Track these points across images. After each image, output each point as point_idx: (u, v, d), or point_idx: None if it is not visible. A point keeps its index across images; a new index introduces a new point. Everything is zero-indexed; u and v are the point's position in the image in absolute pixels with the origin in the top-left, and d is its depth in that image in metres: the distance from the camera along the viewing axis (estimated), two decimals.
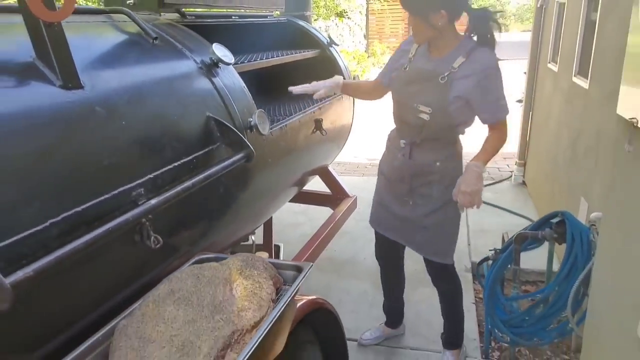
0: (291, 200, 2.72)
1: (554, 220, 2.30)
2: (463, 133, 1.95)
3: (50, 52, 1.08)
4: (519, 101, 5.33)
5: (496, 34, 1.82)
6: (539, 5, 4.25)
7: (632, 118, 1.52)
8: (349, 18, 13.07)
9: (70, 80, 1.11)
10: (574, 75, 3.11)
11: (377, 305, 2.70)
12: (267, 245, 2.61)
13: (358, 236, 3.64)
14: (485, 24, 1.78)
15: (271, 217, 2.76)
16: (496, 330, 2.48)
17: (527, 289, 3.05)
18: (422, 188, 1.95)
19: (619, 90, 2.15)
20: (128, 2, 1.84)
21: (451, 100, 1.77)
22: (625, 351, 1.57)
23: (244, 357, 0.97)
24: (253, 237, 2.45)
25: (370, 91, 2.16)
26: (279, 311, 1.12)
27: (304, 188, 2.80)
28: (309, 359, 1.47)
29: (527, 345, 2.47)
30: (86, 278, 1.07)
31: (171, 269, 1.31)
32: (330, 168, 3.00)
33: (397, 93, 1.94)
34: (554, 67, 3.79)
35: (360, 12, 14.29)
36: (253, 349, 0.99)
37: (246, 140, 1.49)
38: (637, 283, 1.52)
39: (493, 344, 2.63)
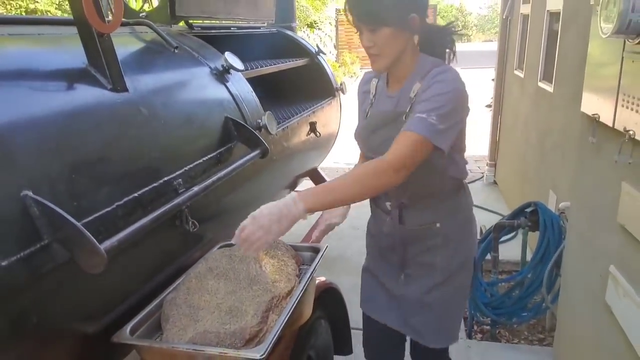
0: None
1: (528, 210, 2.55)
2: (462, 176, 1.46)
3: (103, 59, 1.23)
4: (488, 106, 5.66)
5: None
6: (504, 17, 4.57)
7: (595, 114, 1.77)
8: (319, 29, 13.37)
9: (119, 84, 1.26)
10: (540, 81, 3.39)
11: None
12: None
13: (344, 235, 3.83)
14: (446, 37, 1.40)
15: None
16: (478, 314, 2.70)
17: (504, 278, 3.30)
18: (421, 256, 1.48)
19: (581, 92, 2.44)
20: (141, 14, 1.99)
21: None
22: (596, 316, 1.81)
23: (285, 317, 1.14)
24: None
25: None
26: (307, 281, 1.30)
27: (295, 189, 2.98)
28: (322, 332, 1.64)
29: (507, 324, 2.70)
30: (138, 255, 1.22)
31: (201, 253, 1.46)
32: (319, 169, 3.18)
33: (365, 146, 1.48)
34: (520, 74, 4.10)
35: (330, 23, 14.63)
36: (292, 310, 1.16)
37: (261, 138, 1.66)
38: (602, 255, 1.76)
39: (475, 327, 2.85)
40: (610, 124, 1.62)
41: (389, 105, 1.41)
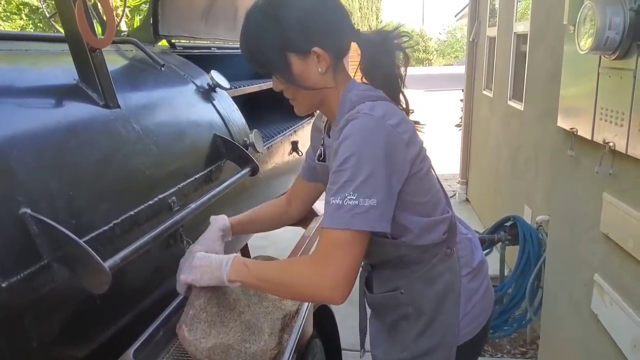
0: None
1: (507, 224, 2.61)
2: (431, 242, 1.12)
3: (95, 75, 1.20)
4: (458, 126, 5.82)
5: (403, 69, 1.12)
6: (471, 40, 4.74)
7: (572, 128, 1.84)
8: None
9: (111, 101, 1.23)
10: (509, 99, 3.52)
11: (349, 317, 2.85)
12: None
13: None
14: (384, 56, 1.09)
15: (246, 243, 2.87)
16: None
17: None
18: (392, 325, 1.23)
19: (552, 109, 2.52)
20: (122, 33, 1.96)
21: None
22: (582, 325, 1.85)
23: (297, 337, 1.12)
24: None
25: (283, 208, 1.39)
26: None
27: None
28: (317, 353, 1.61)
29: (490, 338, 2.72)
30: (134, 275, 1.18)
31: None
32: None
33: None
34: (488, 93, 4.24)
35: None
36: (301, 329, 1.14)
37: (251, 156, 1.65)
38: (586, 265, 1.81)
39: None
40: (589, 137, 1.69)
41: (331, 155, 1.10)
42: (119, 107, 1.25)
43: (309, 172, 1.33)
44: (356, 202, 0.91)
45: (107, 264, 0.89)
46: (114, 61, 1.56)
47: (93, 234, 0.99)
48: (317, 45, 1.01)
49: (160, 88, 1.56)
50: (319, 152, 1.24)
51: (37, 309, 0.87)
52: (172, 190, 1.31)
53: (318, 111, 1.26)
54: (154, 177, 1.26)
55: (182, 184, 1.36)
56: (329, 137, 1.16)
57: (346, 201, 0.92)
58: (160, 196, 1.25)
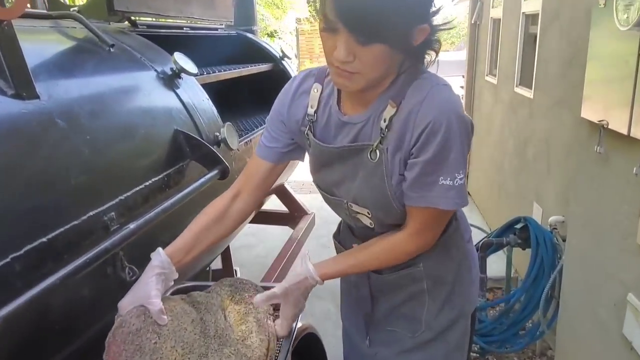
0: (250, 222, 2.59)
1: (518, 226, 2.34)
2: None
3: (1, 56, 0.91)
4: None
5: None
6: (472, 22, 4.44)
7: (601, 120, 1.56)
8: (280, 38, 13.15)
9: (25, 89, 0.94)
10: (516, 86, 3.23)
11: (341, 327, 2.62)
12: (228, 270, 2.46)
13: (315, 255, 3.52)
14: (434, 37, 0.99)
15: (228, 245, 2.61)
16: None
17: (492, 300, 3.09)
18: (401, 308, 1.18)
19: (568, 97, 2.22)
20: (72, 9, 1.67)
21: (395, 190, 0.99)
22: (611, 350, 1.59)
23: None
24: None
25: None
26: (292, 337, 1.01)
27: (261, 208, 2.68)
28: None
29: (498, 352, 2.47)
30: (49, 318, 0.90)
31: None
32: (286, 186, 2.90)
33: (315, 180, 1.15)
34: (492, 80, 3.95)
35: (290, 32, 14.45)
36: None
37: (220, 155, 1.37)
38: (617, 281, 1.55)
39: None
40: (624, 132, 1.41)
41: (347, 135, 1.02)
42: (37, 97, 0.97)
43: (277, 154, 1.13)
44: (462, 182, 0.95)
45: None
46: (47, 41, 1.27)
47: None
48: (425, 22, 0.92)
49: (104, 73, 1.27)
50: (305, 131, 1.07)
51: None
52: (110, 204, 1.03)
53: (300, 76, 1.11)
54: (83, 187, 0.98)
55: (125, 195, 1.08)
56: (344, 115, 1.03)
57: (457, 182, 0.94)
58: (92, 213, 0.97)
